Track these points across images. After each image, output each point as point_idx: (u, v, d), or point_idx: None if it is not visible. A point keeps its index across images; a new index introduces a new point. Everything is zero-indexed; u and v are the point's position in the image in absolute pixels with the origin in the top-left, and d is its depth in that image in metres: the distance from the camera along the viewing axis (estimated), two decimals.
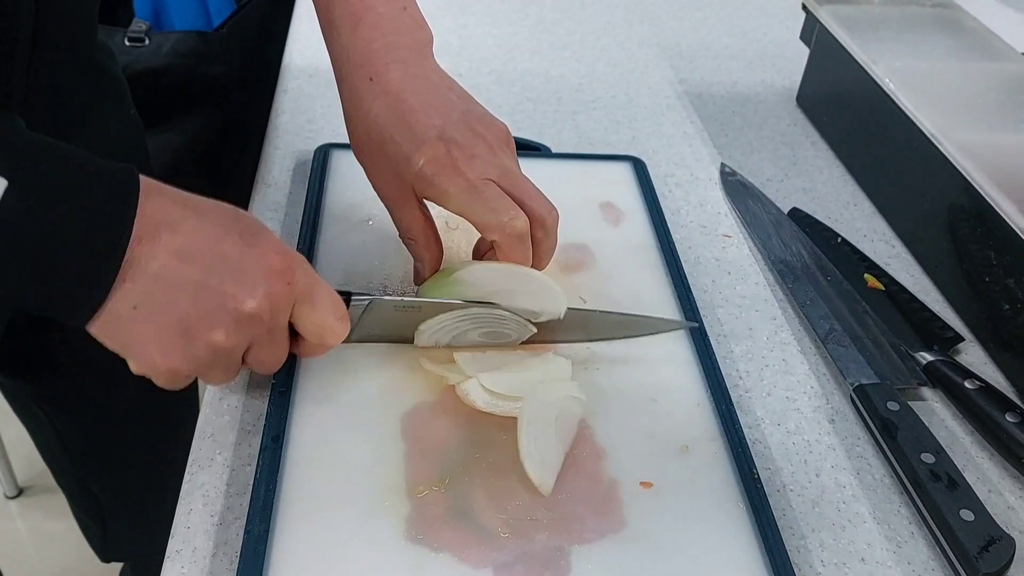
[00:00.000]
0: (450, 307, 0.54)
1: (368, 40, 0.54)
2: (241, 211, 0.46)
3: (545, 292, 0.54)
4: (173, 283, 0.42)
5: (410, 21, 0.56)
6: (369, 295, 0.52)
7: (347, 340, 0.52)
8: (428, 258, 0.56)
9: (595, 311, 0.58)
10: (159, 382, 0.45)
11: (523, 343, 0.57)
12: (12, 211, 0.37)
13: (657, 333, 0.59)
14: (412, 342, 0.56)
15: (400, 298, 0.53)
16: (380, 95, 0.53)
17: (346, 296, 0.51)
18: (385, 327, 0.54)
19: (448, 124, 0.52)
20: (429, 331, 0.55)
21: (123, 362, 0.87)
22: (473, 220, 0.52)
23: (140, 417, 0.89)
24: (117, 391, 0.85)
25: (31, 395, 0.85)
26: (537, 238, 0.54)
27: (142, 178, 0.42)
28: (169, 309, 0.42)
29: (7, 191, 0.37)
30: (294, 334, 0.49)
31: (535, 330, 0.56)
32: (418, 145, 0.52)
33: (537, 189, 0.54)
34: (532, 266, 0.54)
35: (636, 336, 0.59)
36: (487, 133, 0.54)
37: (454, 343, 0.56)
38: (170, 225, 0.42)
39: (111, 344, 0.43)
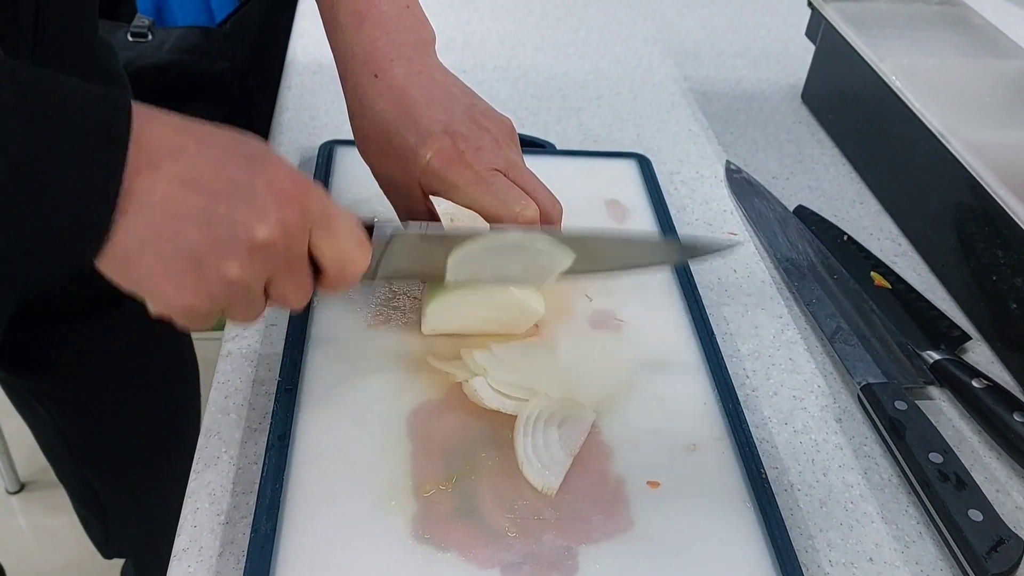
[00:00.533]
0: (481, 236, 0.51)
1: (372, 38, 0.54)
2: (246, 136, 0.43)
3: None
4: (178, 213, 0.39)
5: (413, 20, 0.56)
6: (392, 223, 0.49)
7: (372, 276, 0.49)
8: None
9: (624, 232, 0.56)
10: (178, 321, 0.42)
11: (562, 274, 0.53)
12: (1, 142, 0.35)
13: (695, 257, 0.57)
14: (442, 280, 0.53)
15: (425, 227, 0.51)
16: (385, 91, 0.53)
17: (368, 226, 0.48)
18: (411, 260, 0.51)
19: (453, 118, 0.53)
20: (459, 264, 0.51)
21: (123, 360, 0.87)
22: (483, 212, 0.52)
23: (141, 413, 0.89)
24: (118, 387, 0.85)
25: (32, 391, 0.85)
26: None
27: (138, 105, 0.39)
28: (176, 241, 0.39)
29: None
30: (316, 268, 0.46)
31: (572, 257, 0.52)
32: (424, 139, 0.52)
33: (541, 182, 0.54)
34: None
35: (674, 263, 0.59)
36: (492, 126, 0.54)
37: (486, 278, 0.53)
38: (171, 153, 0.39)
39: (123, 282, 0.41)
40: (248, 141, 0.43)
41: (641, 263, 0.56)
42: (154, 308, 0.42)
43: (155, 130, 0.40)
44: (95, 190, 0.38)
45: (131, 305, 0.81)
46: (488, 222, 0.53)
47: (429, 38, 0.56)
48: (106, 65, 0.69)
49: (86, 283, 0.74)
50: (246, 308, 0.44)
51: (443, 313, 0.55)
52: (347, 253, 0.45)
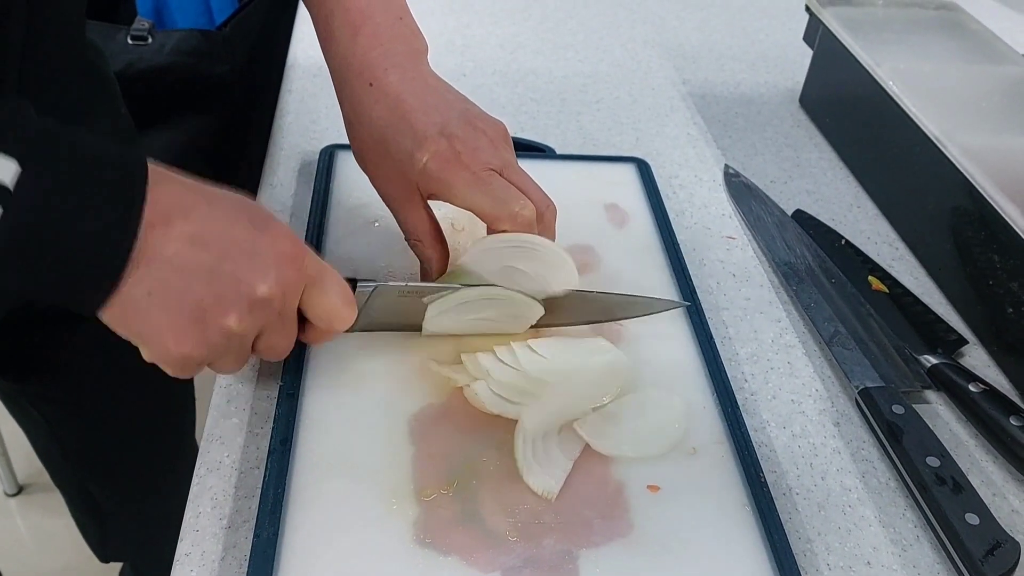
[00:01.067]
0: (455, 290, 0.54)
1: (367, 48, 0.55)
2: (249, 199, 0.46)
3: (555, 258, 0.55)
4: (187, 269, 0.42)
5: (406, 30, 0.57)
6: (374, 281, 0.53)
7: (353, 328, 0.52)
8: (435, 259, 0.56)
9: (594, 292, 0.59)
10: (170, 370, 0.45)
11: (532, 326, 0.57)
12: (25, 196, 0.37)
13: (654, 313, 0.60)
14: (420, 330, 0.56)
15: (404, 284, 0.54)
16: (380, 98, 0.54)
17: (352, 283, 0.51)
18: (391, 314, 0.54)
19: (448, 121, 0.54)
20: (435, 315, 0.55)
21: (117, 364, 0.87)
22: (481, 212, 0.53)
23: (137, 418, 0.89)
24: (112, 391, 0.85)
25: (26, 395, 0.85)
26: (536, 233, 0.55)
27: (151, 165, 0.42)
28: (184, 295, 0.42)
29: (21, 176, 0.37)
30: (301, 321, 0.49)
31: (543, 311, 0.56)
32: (420, 142, 0.53)
33: (535, 183, 0.56)
34: None
35: (635, 317, 0.60)
36: (487, 128, 0.55)
37: (462, 329, 0.56)
38: (182, 211, 0.42)
39: (125, 332, 0.43)
40: (251, 203, 0.46)
41: (606, 318, 0.59)
42: (149, 356, 0.44)
43: (168, 188, 0.42)
44: (111, 243, 0.40)
45: None
46: (485, 223, 0.54)
47: (422, 48, 0.58)
48: (96, 68, 0.69)
49: None
50: (235, 359, 0.47)
51: (443, 314, 0.55)
52: (336, 310, 0.49)
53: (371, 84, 0.55)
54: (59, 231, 0.39)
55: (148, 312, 0.42)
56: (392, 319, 0.55)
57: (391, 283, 0.53)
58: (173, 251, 0.42)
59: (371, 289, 0.52)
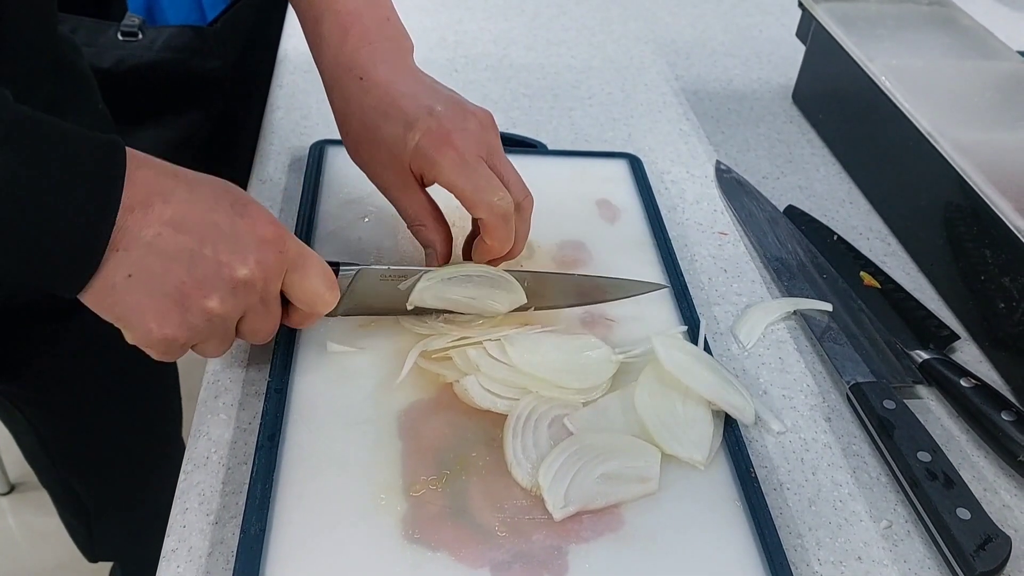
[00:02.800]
0: (438, 271, 0.55)
1: (356, 47, 0.57)
2: (230, 184, 0.47)
3: (500, 281, 0.56)
4: (168, 252, 0.42)
5: (393, 30, 0.59)
6: (357, 264, 0.53)
7: (336, 311, 0.52)
8: (439, 240, 0.57)
9: (572, 274, 0.59)
10: (154, 353, 0.46)
11: (517, 308, 0.58)
12: (1, 180, 0.38)
13: (632, 296, 0.60)
14: (404, 313, 0.56)
15: (386, 267, 0.54)
16: (371, 88, 0.56)
17: (335, 266, 0.51)
18: (374, 297, 0.55)
19: (438, 103, 0.55)
20: (420, 290, 0.55)
21: (101, 366, 0.86)
22: (462, 196, 0.54)
23: (121, 419, 0.88)
24: (97, 394, 0.84)
25: (9, 396, 0.84)
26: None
27: (130, 150, 0.42)
28: (164, 277, 0.43)
29: None
30: (285, 304, 0.50)
31: (524, 297, 0.57)
32: (412, 123, 0.54)
33: (517, 173, 0.57)
34: (507, 249, 0.56)
35: (615, 299, 0.60)
36: (475, 112, 0.56)
37: (445, 304, 0.56)
38: (162, 195, 0.43)
39: (106, 314, 0.43)
40: (232, 188, 0.47)
41: (588, 301, 0.60)
42: (132, 339, 0.45)
43: (147, 172, 0.43)
44: (89, 225, 0.40)
45: None
46: (464, 206, 0.54)
47: (408, 47, 0.59)
48: (70, 64, 0.69)
49: None
50: (219, 342, 0.47)
51: (427, 289, 0.55)
52: (318, 293, 0.49)
53: (361, 78, 0.56)
54: (37, 214, 0.39)
55: (129, 295, 0.42)
56: (375, 302, 0.55)
57: (373, 266, 0.53)
58: (153, 234, 0.42)
59: (354, 272, 0.53)
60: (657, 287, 0.61)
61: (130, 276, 0.42)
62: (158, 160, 0.44)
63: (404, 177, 0.55)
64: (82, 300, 0.42)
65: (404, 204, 0.57)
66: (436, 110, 0.54)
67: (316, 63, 0.59)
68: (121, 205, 0.41)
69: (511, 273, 0.56)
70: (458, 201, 0.54)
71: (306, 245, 0.49)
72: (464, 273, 0.56)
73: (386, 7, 0.59)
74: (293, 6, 0.61)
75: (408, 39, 0.59)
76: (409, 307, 0.56)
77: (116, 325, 0.44)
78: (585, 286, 0.59)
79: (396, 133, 0.54)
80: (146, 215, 0.42)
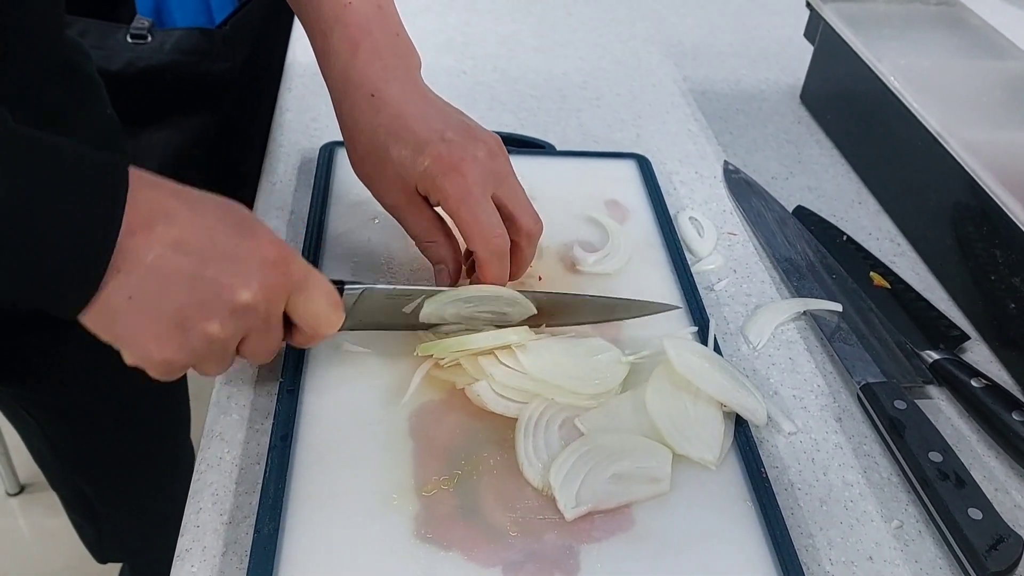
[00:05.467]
0: (443, 292, 0.55)
1: (366, 63, 0.56)
2: (234, 203, 0.46)
3: (509, 297, 0.56)
4: (169, 274, 0.42)
5: (403, 47, 0.59)
6: (361, 284, 0.52)
7: (342, 328, 0.52)
8: (450, 258, 0.57)
9: (584, 296, 0.59)
10: (153, 373, 0.45)
11: (531, 327, 0.57)
12: (0, 201, 0.37)
13: (642, 315, 0.59)
14: (410, 330, 0.56)
15: (392, 286, 0.54)
16: (382, 107, 0.55)
17: (339, 286, 0.51)
18: (379, 315, 0.55)
19: (448, 128, 0.55)
20: (429, 311, 0.55)
21: (107, 367, 0.87)
22: (461, 227, 0.54)
23: (129, 421, 0.89)
24: (105, 396, 0.84)
25: (17, 398, 0.85)
26: (520, 246, 0.56)
27: (133, 170, 0.42)
28: (165, 300, 0.42)
29: None
30: (288, 324, 0.49)
31: (534, 309, 0.56)
32: (421, 147, 0.54)
33: (527, 200, 0.57)
34: (509, 274, 0.56)
35: (624, 319, 0.60)
36: (485, 138, 0.56)
37: (456, 320, 0.56)
38: (165, 216, 0.42)
39: (105, 335, 0.43)
40: (236, 208, 0.46)
41: (601, 319, 0.60)
42: (130, 360, 0.44)
43: (150, 193, 0.42)
44: (90, 246, 0.40)
45: None
46: (463, 238, 0.55)
47: (417, 64, 0.59)
48: (78, 68, 0.69)
49: None
50: (219, 363, 0.47)
51: (433, 312, 0.55)
52: (322, 315, 0.49)
53: (373, 95, 0.56)
54: (36, 235, 0.38)
55: (129, 317, 0.42)
56: (381, 319, 0.55)
57: (378, 286, 0.53)
58: (154, 256, 0.41)
59: (358, 292, 0.52)
60: (670, 308, 0.60)
61: (130, 298, 0.41)
62: (161, 179, 0.44)
63: (411, 197, 0.56)
64: (81, 321, 0.42)
65: (412, 222, 0.57)
66: (447, 136, 0.54)
67: (324, 76, 0.59)
68: (123, 226, 0.40)
69: (524, 294, 0.56)
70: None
71: (311, 265, 0.49)
72: (468, 296, 0.55)
73: (396, 23, 0.59)
74: (300, 18, 0.61)
75: (417, 56, 0.59)
76: (422, 319, 0.56)
77: (115, 346, 0.44)
78: (598, 306, 0.59)
79: (405, 155, 0.54)
80: (148, 237, 0.41)
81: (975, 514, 0.49)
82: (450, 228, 0.57)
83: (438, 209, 0.56)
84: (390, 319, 0.55)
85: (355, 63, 0.56)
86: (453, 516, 0.47)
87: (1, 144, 0.38)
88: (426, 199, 0.56)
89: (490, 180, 0.54)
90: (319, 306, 0.48)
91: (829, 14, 0.85)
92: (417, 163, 0.54)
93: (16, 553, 1.45)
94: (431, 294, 0.54)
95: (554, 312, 0.57)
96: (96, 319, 0.42)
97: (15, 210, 0.38)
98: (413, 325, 0.56)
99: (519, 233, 0.56)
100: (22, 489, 1.53)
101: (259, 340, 0.47)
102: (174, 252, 0.42)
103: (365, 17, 0.57)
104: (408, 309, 0.55)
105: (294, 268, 0.47)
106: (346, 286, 0.52)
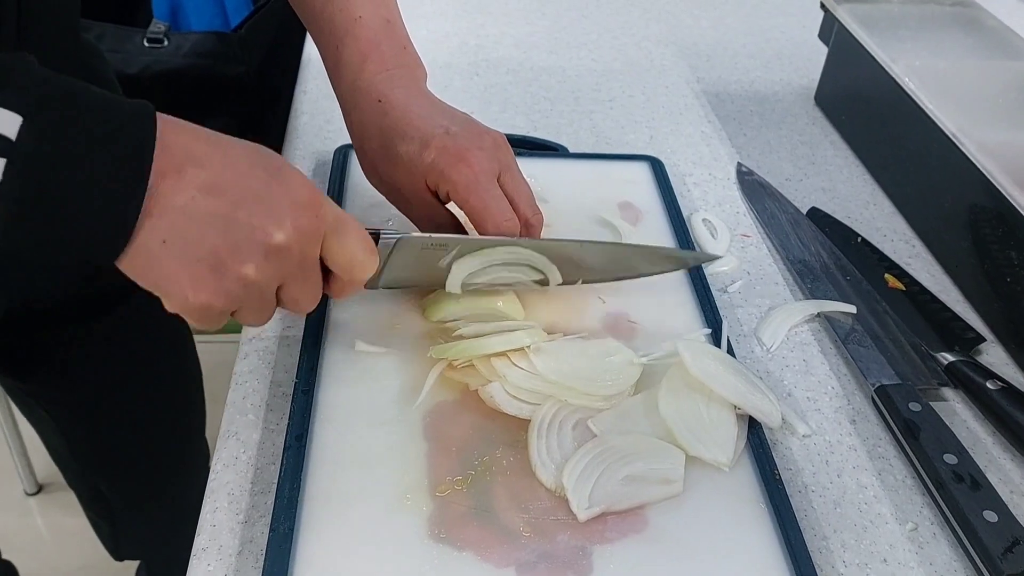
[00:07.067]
0: (479, 245, 0.55)
1: (374, 73, 0.59)
2: (265, 148, 0.46)
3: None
4: (201, 217, 0.42)
5: (409, 59, 0.61)
6: (397, 232, 0.52)
7: (377, 282, 0.51)
8: None
9: (612, 243, 0.60)
10: (192, 320, 0.45)
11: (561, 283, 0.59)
12: (29, 146, 0.37)
13: (675, 270, 0.62)
14: (443, 286, 0.57)
15: (428, 235, 0.54)
16: (389, 110, 0.57)
17: (375, 234, 0.51)
18: (413, 269, 0.55)
19: (453, 124, 0.57)
20: (458, 272, 0.55)
21: (125, 365, 0.87)
22: (471, 214, 0.55)
23: (145, 419, 0.89)
24: (120, 390, 0.85)
25: (34, 395, 0.86)
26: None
27: (162, 115, 0.42)
28: (198, 243, 0.42)
29: (23, 127, 0.37)
30: (325, 275, 0.49)
31: (560, 277, 0.58)
32: (427, 142, 0.56)
33: (530, 191, 0.58)
34: None
35: (658, 273, 0.61)
36: (489, 132, 0.58)
37: (484, 285, 0.57)
38: (195, 160, 0.42)
39: (143, 281, 0.43)
40: (267, 152, 0.46)
41: (637, 272, 0.61)
42: (170, 306, 0.44)
43: (181, 137, 0.42)
44: (122, 190, 0.40)
45: (131, 307, 0.81)
46: (473, 225, 0.56)
47: (422, 75, 0.61)
48: (94, 69, 0.70)
49: (85, 285, 0.75)
50: (259, 310, 0.46)
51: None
52: (357, 258, 0.48)
53: (379, 100, 0.58)
54: (67, 181, 0.38)
55: (164, 261, 0.42)
56: (414, 275, 0.55)
57: (414, 234, 0.53)
58: (186, 199, 0.41)
59: (394, 240, 0.52)
60: (713, 257, 0.62)
61: (165, 242, 0.41)
62: (192, 125, 0.43)
63: (421, 194, 0.57)
64: (119, 267, 0.42)
65: (424, 221, 0.58)
66: (452, 130, 0.56)
67: (334, 86, 0.61)
68: (153, 170, 0.40)
69: (554, 242, 0.58)
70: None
71: (342, 210, 0.48)
72: (505, 257, 0.56)
73: (403, 36, 0.61)
74: (310, 30, 0.63)
75: (422, 68, 0.62)
76: (448, 288, 0.56)
77: (154, 292, 0.43)
78: (641, 254, 0.61)
79: (412, 151, 0.56)
80: (179, 180, 0.41)
81: (990, 516, 0.49)
82: (462, 224, 0.58)
83: (450, 206, 0.57)
84: (423, 275, 0.56)
85: (363, 75, 0.58)
86: (467, 516, 0.47)
87: (31, 88, 0.38)
88: (436, 195, 0.57)
89: (496, 167, 0.56)
90: (353, 249, 0.48)
91: (843, 15, 0.84)
92: (424, 157, 0.55)
93: (34, 551, 1.46)
94: (466, 243, 0.55)
95: (583, 266, 0.59)
96: (133, 265, 0.42)
97: (47, 158, 0.38)
98: (441, 285, 0.56)
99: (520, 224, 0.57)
100: (40, 489, 1.55)
101: (297, 286, 0.47)
102: (205, 195, 0.42)
103: (374, 31, 0.59)
104: (443, 263, 0.55)
105: (326, 210, 0.46)
106: (382, 233, 0.52)
